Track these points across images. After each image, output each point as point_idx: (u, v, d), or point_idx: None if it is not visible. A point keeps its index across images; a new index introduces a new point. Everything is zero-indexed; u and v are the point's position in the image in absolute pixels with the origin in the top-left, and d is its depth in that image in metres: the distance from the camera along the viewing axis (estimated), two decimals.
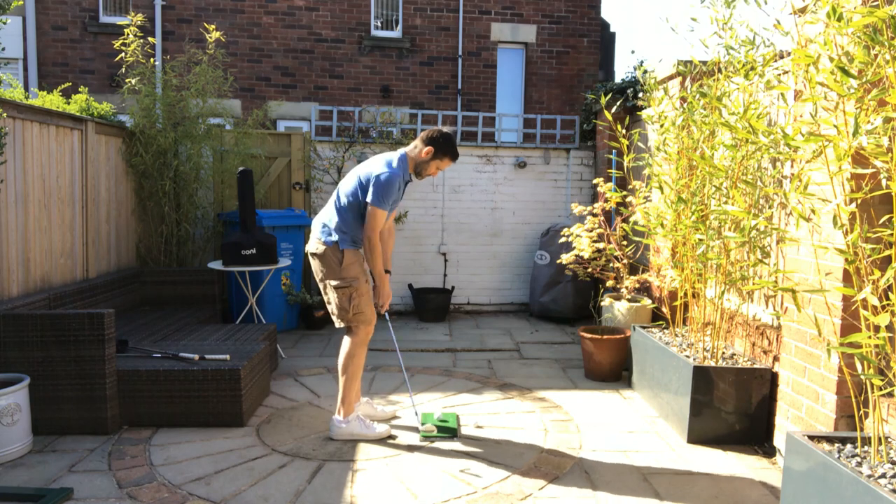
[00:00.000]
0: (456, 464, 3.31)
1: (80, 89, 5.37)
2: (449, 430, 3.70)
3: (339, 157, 6.99)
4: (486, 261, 7.45)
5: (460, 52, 10.41)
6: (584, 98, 8.07)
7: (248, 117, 6.52)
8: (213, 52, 6.14)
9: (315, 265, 3.60)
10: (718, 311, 3.82)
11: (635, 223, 4.62)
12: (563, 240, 5.87)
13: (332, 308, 3.61)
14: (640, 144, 5.74)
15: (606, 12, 36.89)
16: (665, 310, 4.78)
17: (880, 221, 2.73)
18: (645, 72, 4.73)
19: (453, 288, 7.23)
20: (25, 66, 9.57)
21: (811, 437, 2.55)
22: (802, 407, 3.22)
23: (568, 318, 6.81)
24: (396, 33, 10.38)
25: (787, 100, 3.30)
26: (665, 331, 4.54)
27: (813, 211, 2.82)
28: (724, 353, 3.97)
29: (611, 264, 5.46)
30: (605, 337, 4.78)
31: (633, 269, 5.63)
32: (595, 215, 5.45)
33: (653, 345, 4.25)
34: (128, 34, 5.79)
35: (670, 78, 5.01)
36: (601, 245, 5.33)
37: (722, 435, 3.64)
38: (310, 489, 3.02)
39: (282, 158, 6.76)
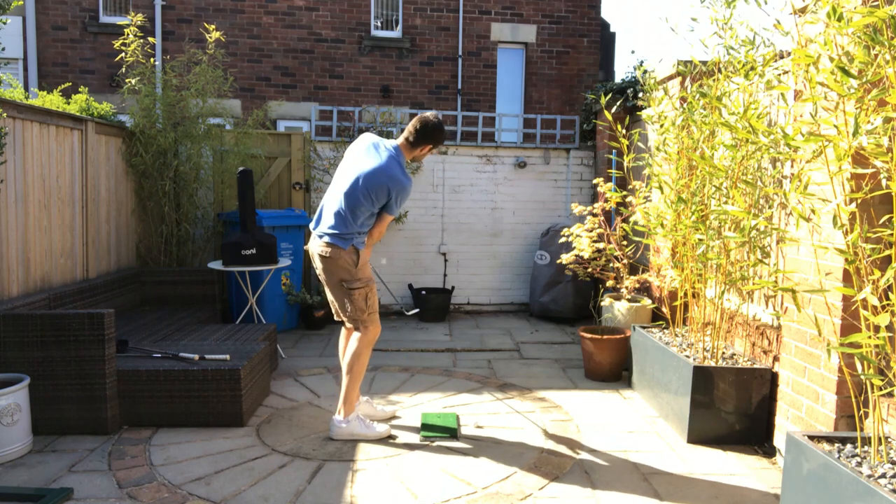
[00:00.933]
0: (456, 464, 3.31)
1: (80, 89, 5.37)
2: (449, 430, 3.70)
3: (339, 156, 6.98)
4: (486, 261, 7.45)
5: (460, 52, 10.41)
6: (584, 98, 8.07)
7: (248, 117, 6.52)
8: (213, 52, 6.14)
9: (326, 268, 3.55)
10: (718, 311, 3.82)
11: (635, 223, 4.62)
12: (563, 240, 5.86)
13: (347, 309, 3.60)
14: (640, 144, 5.74)
15: (606, 12, 36.87)
16: (665, 310, 4.78)
17: (880, 221, 2.73)
18: (645, 72, 4.73)
19: (453, 288, 7.23)
20: (25, 66, 9.57)
21: (811, 437, 2.55)
22: (802, 407, 3.22)
23: (568, 318, 6.81)
24: (396, 33, 10.39)
25: (787, 100, 3.30)
26: (665, 331, 4.54)
27: (813, 211, 2.82)
28: (724, 353, 3.97)
29: (611, 264, 5.46)
30: (605, 337, 4.78)
31: (633, 269, 5.63)
32: (595, 215, 5.44)
33: (653, 345, 4.25)
34: (128, 34, 5.79)
35: (670, 78, 5.01)
36: (601, 245, 5.33)
37: (722, 435, 3.64)
38: (310, 489, 3.02)
39: (282, 158, 6.76)
